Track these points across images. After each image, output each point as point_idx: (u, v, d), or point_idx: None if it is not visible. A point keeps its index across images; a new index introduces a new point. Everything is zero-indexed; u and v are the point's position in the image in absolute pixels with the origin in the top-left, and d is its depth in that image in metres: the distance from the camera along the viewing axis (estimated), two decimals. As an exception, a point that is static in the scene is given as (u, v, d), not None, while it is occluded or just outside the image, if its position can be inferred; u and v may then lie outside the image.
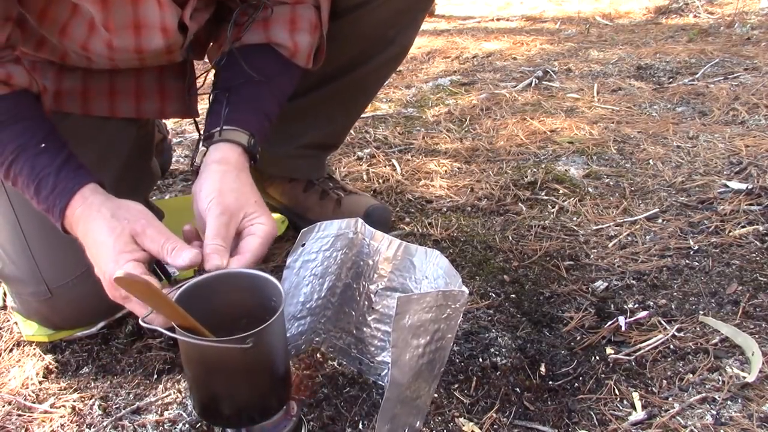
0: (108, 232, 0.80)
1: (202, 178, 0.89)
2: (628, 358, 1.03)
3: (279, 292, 0.80)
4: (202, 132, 1.01)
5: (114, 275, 0.72)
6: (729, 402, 0.93)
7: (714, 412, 0.92)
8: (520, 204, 1.53)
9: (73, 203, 0.84)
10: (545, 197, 1.55)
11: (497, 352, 1.05)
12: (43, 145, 0.87)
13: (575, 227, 1.43)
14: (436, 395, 0.98)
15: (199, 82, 1.16)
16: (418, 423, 0.84)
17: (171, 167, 1.80)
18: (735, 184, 1.53)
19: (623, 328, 1.09)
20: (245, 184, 0.90)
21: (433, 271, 0.86)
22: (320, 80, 1.27)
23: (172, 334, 0.75)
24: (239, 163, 0.93)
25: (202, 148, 0.96)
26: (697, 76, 2.31)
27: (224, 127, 0.95)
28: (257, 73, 1.00)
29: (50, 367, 1.08)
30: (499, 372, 1.02)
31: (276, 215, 1.43)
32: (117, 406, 0.99)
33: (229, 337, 0.74)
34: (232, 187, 0.88)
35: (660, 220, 1.43)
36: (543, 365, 1.03)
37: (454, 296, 0.76)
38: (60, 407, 0.99)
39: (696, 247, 1.31)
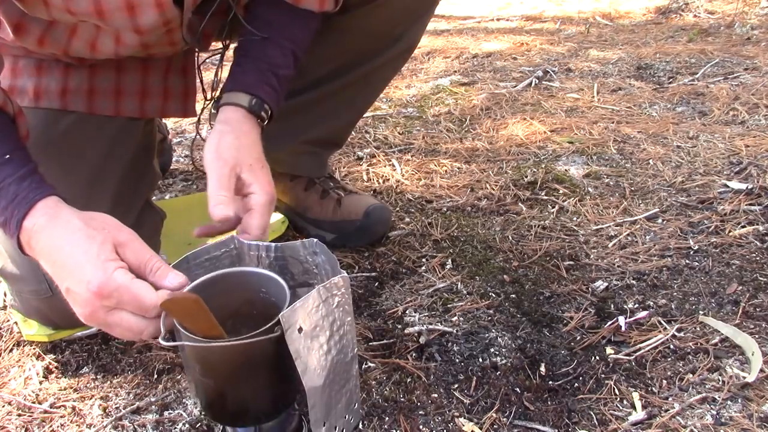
0: (88, 241, 0.75)
1: (207, 140, 0.93)
2: (628, 358, 1.03)
3: (275, 282, 0.80)
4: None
5: (159, 299, 0.71)
6: (729, 402, 0.93)
7: (714, 412, 0.92)
8: (520, 204, 1.53)
9: (34, 213, 0.78)
10: (545, 197, 1.55)
11: (497, 352, 1.05)
12: (8, 156, 0.82)
13: (575, 227, 1.43)
14: (435, 395, 0.98)
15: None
16: (356, 405, 0.84)
17: (171, 167, 1.81)
18: (735, 184, 1.53)
19: (623, 328, 1.09)
20: (243, 143, 0.93)
21: (317, 260, 0.86)
22: (326, 76, 1.28)
23: (196, 343, 0.74)
24: (241, 122, 0.95)
25: (214, 112, 1.00)
26: (697, 76, 2.31)
27: (227, 91, 0.98)
28: (268, 26, 1.01)
29: (50, 367, 1.08)
30: (499, 372, 1.02)
31: (276, 215, 1.43)
32: (117, 406, 0.99)
33: (229, 338, 0.74)
34: (229, 144, 0.91)
35: (660, 220, 1.43)
36: (543, 365, 1.03)
37: (335, 284, 0.76)
38: (60, 407, 0.99)
39: (696, 247, 1.31)
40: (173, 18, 0.96)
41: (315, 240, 0.85)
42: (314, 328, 0.75)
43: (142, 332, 0.75)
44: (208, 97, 1.14)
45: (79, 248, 0.75)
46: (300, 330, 0.73)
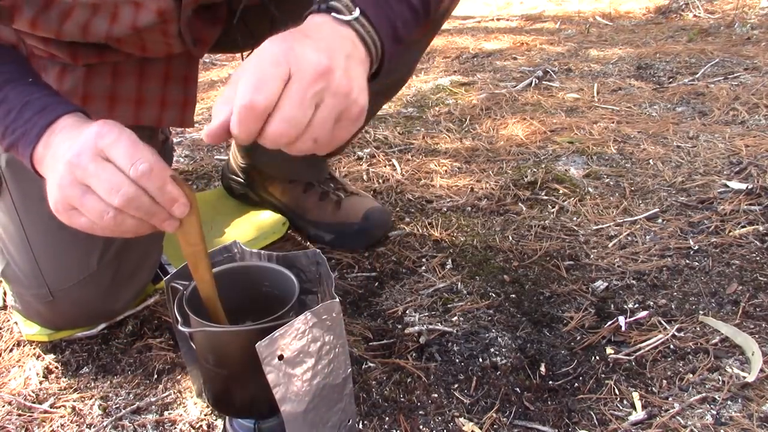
0: (101, 139, 0.67)
1: None
2: (628, 358, 1.03)
3: (279, 274, 0.81)
4: None
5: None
6: (729, 402, 0.93)
7: (714, 412, 0.92)
8: (520, 204, 1.53)
9: (61, 120, 0.73)
10: (545, 197, 1.55)
11: (497, 352, 1.05)
12: (31, 80, 0.81)
13: (575, 227, 1.43)
14: (435, 395, 0.98)
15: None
16: (350, 422, 0.83)
17: (171, 167, 1.80)
18: (735, 184, 1.53)
19: (623, 328, 1.09)
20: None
21: (319, 270, 0.85)
22: None
23: (217, 328, 0.75)
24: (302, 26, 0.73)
25: None
26: (697, 76, 2.30)
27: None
28: None
29: (50, 367, 1.08)
30: (499, 372, 1.02)
31: (277, 215, 1.43)
32: (117, 406, 0.99)
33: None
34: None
35: (660, 220, 1.43)
36: (543, 365, 1.03)
37: (325, 309, 0.73)
38: (60, 407, 0.99)
39: (696, 247, 1.31)
40: (169, 9, 0.94)
41: (317, 251, 0.85)
42: (297, 355, 0.72)
43: (118, 193, 0.66)
44: None
45: (85, 139, 0.67)
46: (281, 357, 0.71)
